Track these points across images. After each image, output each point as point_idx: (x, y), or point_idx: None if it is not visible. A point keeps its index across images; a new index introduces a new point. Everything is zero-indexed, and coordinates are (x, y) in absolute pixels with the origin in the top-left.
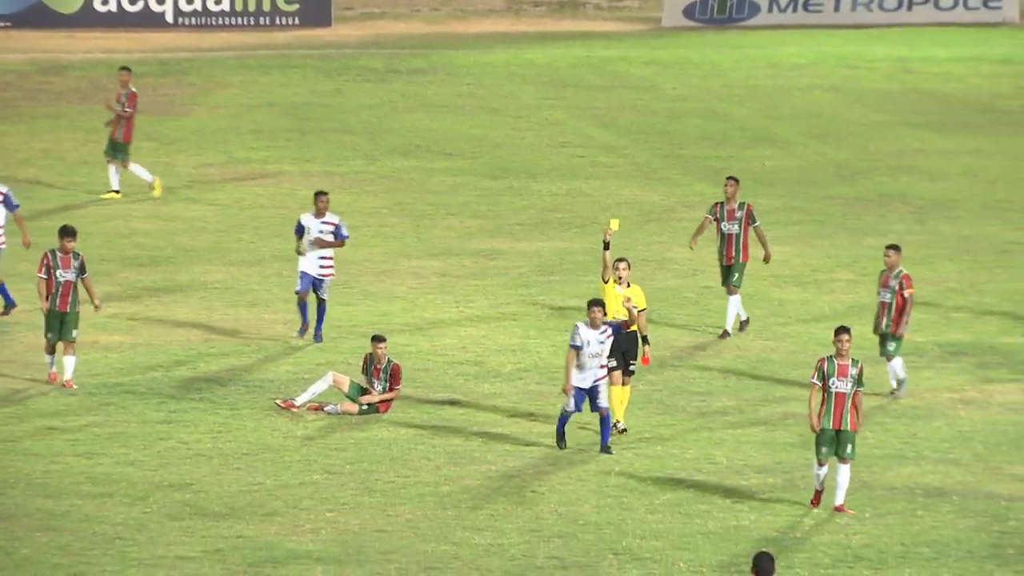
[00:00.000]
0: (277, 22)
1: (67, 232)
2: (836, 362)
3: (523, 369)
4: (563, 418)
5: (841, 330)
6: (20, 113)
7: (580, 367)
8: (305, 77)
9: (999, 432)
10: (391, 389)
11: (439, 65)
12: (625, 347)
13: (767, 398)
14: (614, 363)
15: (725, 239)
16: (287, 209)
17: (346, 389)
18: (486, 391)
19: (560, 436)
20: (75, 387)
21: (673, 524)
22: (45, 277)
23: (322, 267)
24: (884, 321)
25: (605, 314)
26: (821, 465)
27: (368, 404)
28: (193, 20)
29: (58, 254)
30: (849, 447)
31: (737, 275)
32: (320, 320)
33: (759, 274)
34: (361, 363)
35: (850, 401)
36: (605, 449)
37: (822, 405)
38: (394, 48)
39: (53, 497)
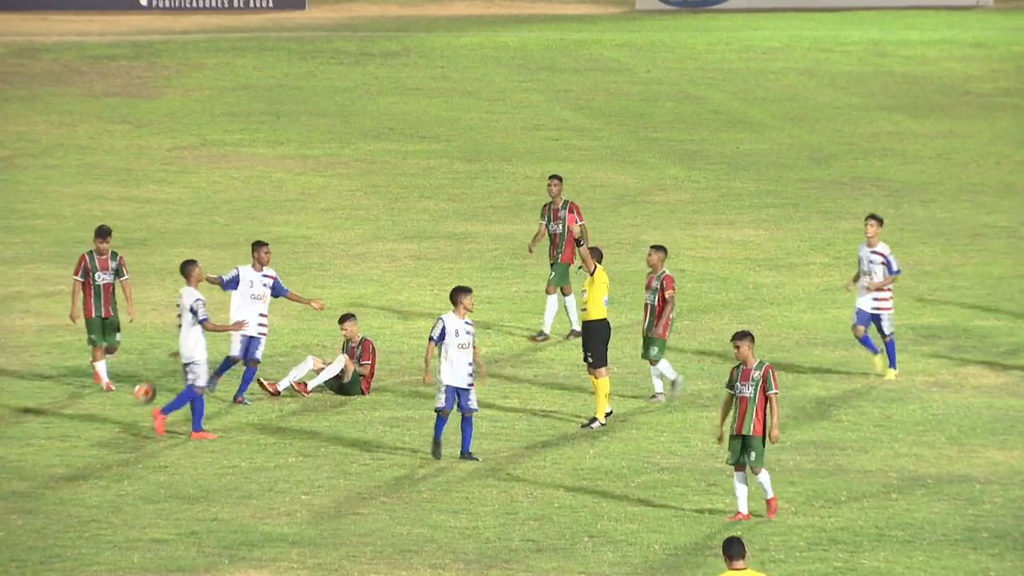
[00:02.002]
0: (251, 4)
1: (100, 232)
2: (740, 367)
3: (497, 352)
4: (440, 422)
5: (736, 336)
6: None
7: (450, 361)
8: (279, 60)
9: (973, 415)
10: (360, 365)
11: (413, 48)
12: (584, 339)
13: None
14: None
15: (551, 239)
16: (261, 192)
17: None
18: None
19: (436, 444)
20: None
21: (648, 507)
22: (82, 280)
23: (261, 324)
24: (646, 324)
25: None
26: (736, 470)
27: (350, 378)
28: (167, 2)
29: (95, 256)
30: (753, 454)
31: (556, 275)
32: (246, 383)
33: (733, 257)
34: (341, 347)
35: (754, 405)
36: (466, 455)
37: (732, 412)
38: (368, 31)
39: (28, 480)
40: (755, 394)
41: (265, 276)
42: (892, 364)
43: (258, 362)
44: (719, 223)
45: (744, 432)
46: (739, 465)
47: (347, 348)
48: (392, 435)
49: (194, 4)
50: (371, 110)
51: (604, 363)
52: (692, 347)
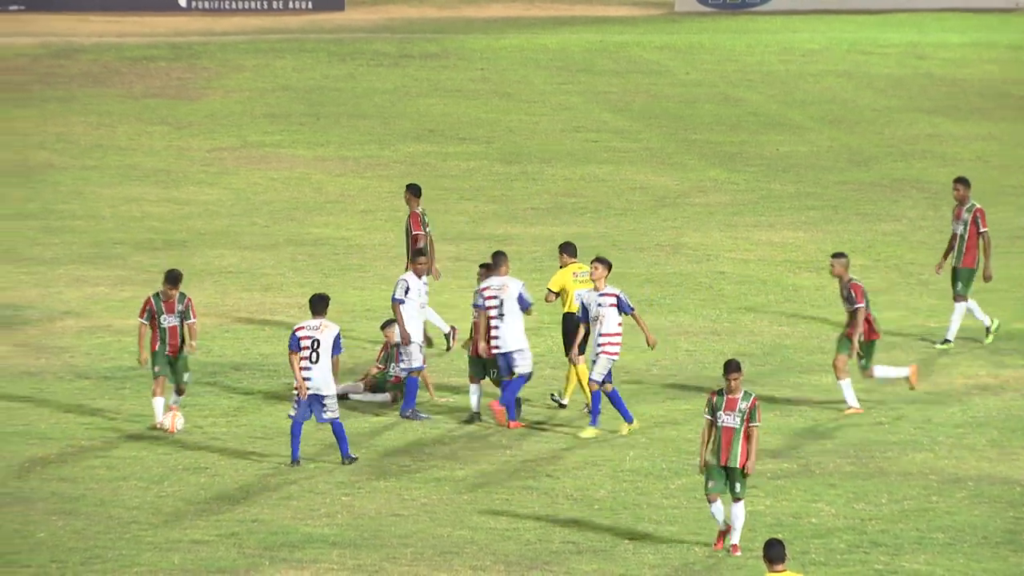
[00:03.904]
0: (291, 6)
1: (171, 279)
2: (725, 396)
3: (538, 354)
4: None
5: (729, 368)
6: (32, 97)
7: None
8: (318, 61)
9: (1013, 418)
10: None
11: (452, 50)
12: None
13: (781, 383)
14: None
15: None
16: (300, 193)
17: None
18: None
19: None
20: (178, 430)
21: (688, 509)
22: (147, 322)
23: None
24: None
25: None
26: (711, 501)
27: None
28: (206, 4)
29: (161, 299)
30: (738, 486)
31: None
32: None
33: (773, 259)
34: (379, 352)
35: (740, 436)
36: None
37: (711, 440)
38: (407, 32)
39: (68, 481)
40: (741, 425)
41: (424, 284)
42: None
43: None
44: (759, 225)
45: (730, 464)
46: (714, 495)
47: (391, 354)
48: (432, 436)
49: (233, 5)
50: (411, 112)
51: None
52: (731, 350)
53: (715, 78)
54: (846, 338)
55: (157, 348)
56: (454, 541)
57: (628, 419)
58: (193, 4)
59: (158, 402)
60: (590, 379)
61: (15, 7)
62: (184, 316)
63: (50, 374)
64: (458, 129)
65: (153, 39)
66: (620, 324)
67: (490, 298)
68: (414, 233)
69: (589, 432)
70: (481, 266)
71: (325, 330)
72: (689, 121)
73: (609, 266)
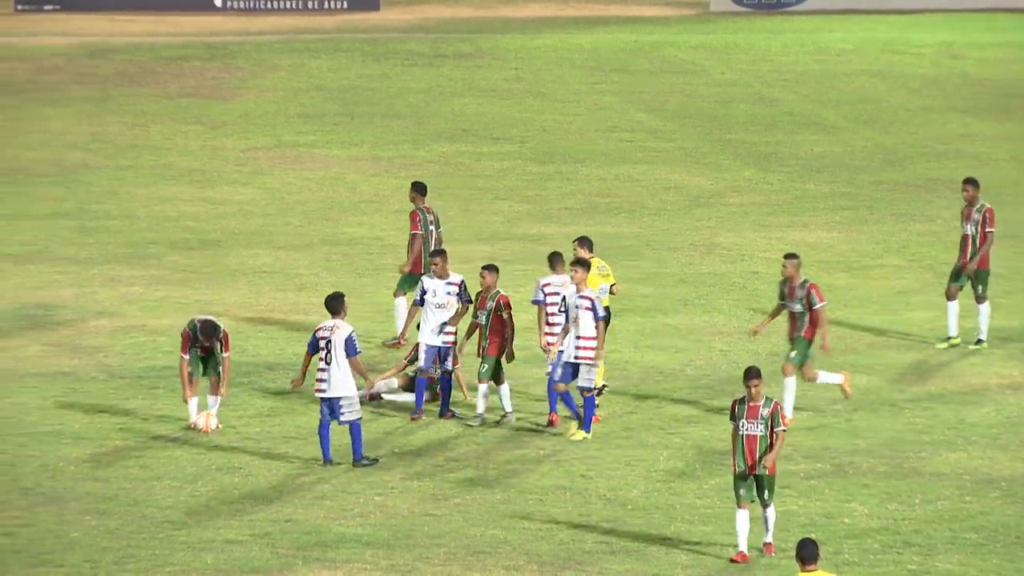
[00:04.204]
0: (326, 6)
1: (206, 333)
2: (747, 404)
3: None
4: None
5: (749, 375)
6: (68, 96)
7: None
8: (353, 61)
9: None
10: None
11: (486, 49)
12: None
13: (815, 383)
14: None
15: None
16: (335, 193)
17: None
18: (534, 375)
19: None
20: (212, 431)
21: (722, 509)
22: (188, 357)
23: (447, 333)
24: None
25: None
26: (740, 507)
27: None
28: (241, 3)
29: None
30: (767, 493)
31: None
32: (448, 395)
33: (807, 259)
34: (409, 352)
35: (765, 443)
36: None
37: (738, 448)
38: (441, 32)
39: (102, 481)
40: (765, 432)
41: (449, 284)
42: None
43: (450, 372)
44: (793, 225)
45: (757, 471)
46: (744, 503)
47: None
48: (466, 437)
49: (268, 5)
50: (445, 112)
51: None
52: (765, 350)
53: (750, 78)
54: (804, 339)
55: (189, 354)
56: (487, 541)
57: (585, 427)
58: (228, 4)
59: (192, 402)
60: (579, 387)
61: (50, 7)
62: (219, 348)
63: (84, 374)
64: (492, 129)
65: (188, 39)
66: (597, 327)
67: (551, 295)
68: (412, 233)
69: (579, 435)
70: (485, 268)
71: (337, 331)
72: (723, 121)
73: (588, 267)
